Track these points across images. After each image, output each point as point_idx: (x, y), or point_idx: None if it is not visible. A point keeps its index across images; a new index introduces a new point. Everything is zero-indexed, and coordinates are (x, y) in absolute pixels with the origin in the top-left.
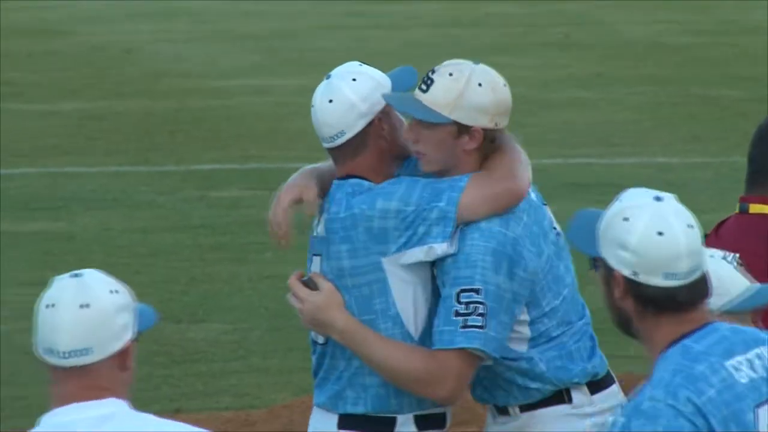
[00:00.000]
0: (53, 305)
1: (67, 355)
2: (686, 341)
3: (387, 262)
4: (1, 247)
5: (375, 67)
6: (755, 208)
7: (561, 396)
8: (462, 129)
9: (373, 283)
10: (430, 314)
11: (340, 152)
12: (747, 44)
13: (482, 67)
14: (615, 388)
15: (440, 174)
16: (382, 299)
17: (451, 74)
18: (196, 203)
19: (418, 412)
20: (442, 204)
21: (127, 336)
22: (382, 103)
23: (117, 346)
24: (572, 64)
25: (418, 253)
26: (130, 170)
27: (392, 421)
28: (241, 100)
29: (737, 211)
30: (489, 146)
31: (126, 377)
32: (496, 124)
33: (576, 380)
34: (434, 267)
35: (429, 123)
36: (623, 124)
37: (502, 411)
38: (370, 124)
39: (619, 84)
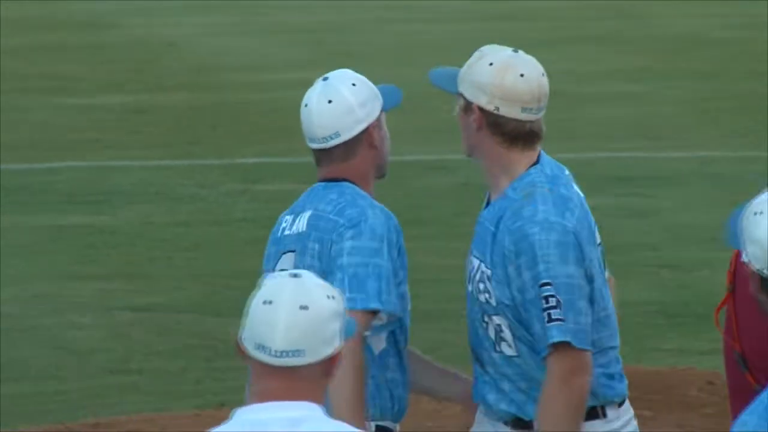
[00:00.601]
0: (271, 302)
1: (279, 354)
2: None
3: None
4: (44, 241)
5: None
6: None
7: (596, 411)
8: (468, 105)
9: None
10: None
11: (328, 155)
12: None
13: (516, 55)
14: (627, 401)
15: (472, 156)
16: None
17: (479, 50)
18: (239, 197)
19: (381, 423)
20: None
21: (337, 343)
22: (377, 113)
23: (327, 351)
24: (616, 57)
25: None
26: (173, 164)
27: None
28: (284, 93)
29: None
30: (503, 136)
31: (326, 384)
32: (496, 108)
33: (616, 399)
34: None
35: (458, 97)
36: (666, 117)
37: (525, 425)
38: (364, 131)
39: (663, 78)
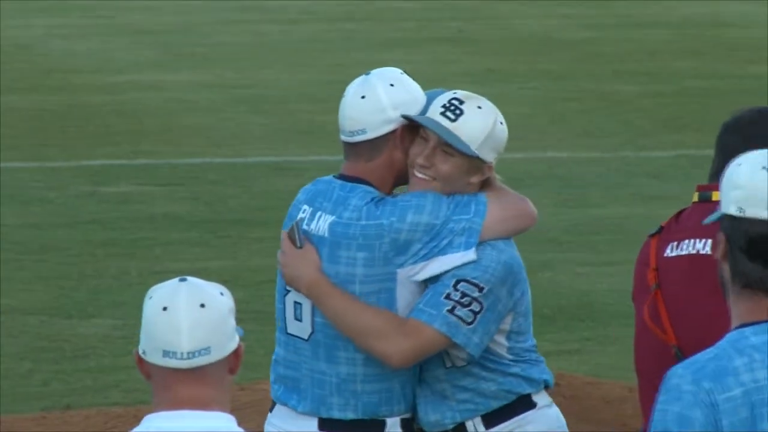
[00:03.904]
0: (166, 308)
1: (188, 355)
2: (747, 329)
3: (401, 273)
4: None
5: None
6: (718, 195)
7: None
8: (476, 164)
9: (381, 292)
10: None
11: (355, 150)
12: (641, 39)
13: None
14: None
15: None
16: (387, 309)
17: (479, 107)
18: (87, 199)
19: (405, 416)
20: (469, 216)
21: (236, 338)
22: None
23: (231, 346)
24: (464, 59)
25: (438, 265)
26: (22, 166)
27: (381, 424)
28: (133, 95)
29: (696, 200)
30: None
31: (230, 382)
32: (494, 161)
33: None
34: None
35: (450, 152)
36: (515, 118)
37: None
38: (393, 132)
39: (512, 79)
